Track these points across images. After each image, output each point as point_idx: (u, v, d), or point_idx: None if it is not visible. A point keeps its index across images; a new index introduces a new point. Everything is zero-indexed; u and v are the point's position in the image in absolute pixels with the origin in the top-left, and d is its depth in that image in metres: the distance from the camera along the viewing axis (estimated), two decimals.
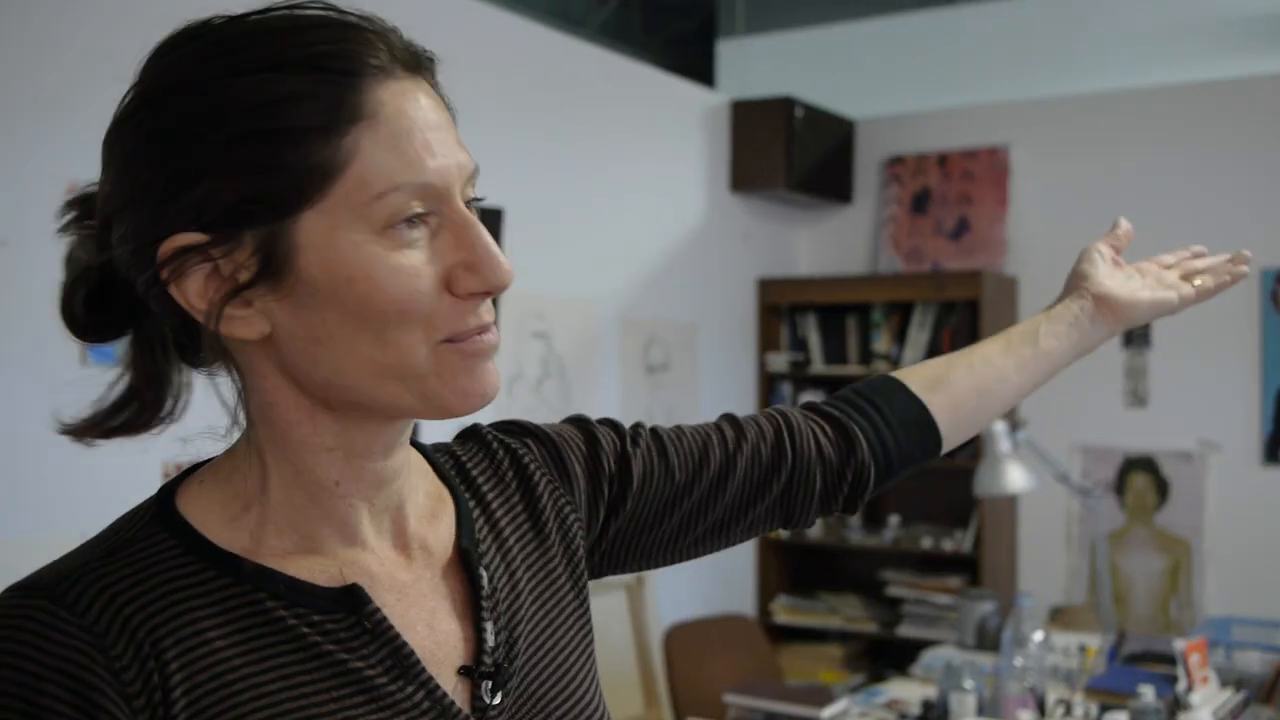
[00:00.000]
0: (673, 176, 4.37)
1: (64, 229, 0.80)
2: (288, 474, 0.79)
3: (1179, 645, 2.73)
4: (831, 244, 4.99)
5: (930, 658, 3.43)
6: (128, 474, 2.62)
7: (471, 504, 0.91)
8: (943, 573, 4.49)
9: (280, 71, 0.73)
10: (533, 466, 0.95)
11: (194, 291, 0.74)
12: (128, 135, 0.75)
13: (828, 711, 2.90)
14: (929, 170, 4.73)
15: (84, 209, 0.80)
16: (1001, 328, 4.47)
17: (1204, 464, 4.22)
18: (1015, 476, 3.29)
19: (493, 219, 3.52)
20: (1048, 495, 4.21)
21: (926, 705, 2.89)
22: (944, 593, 4.39)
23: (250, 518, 0.79)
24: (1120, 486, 4.36)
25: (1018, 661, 2.85)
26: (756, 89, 4.71)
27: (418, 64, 0.79)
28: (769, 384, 4.77)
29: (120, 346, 0.81)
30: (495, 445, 0.95)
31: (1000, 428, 3.33)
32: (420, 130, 0.76)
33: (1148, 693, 2.57)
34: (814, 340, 4.76)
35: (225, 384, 0.81)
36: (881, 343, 4.60)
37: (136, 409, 0.79)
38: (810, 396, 4.83)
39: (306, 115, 0.72)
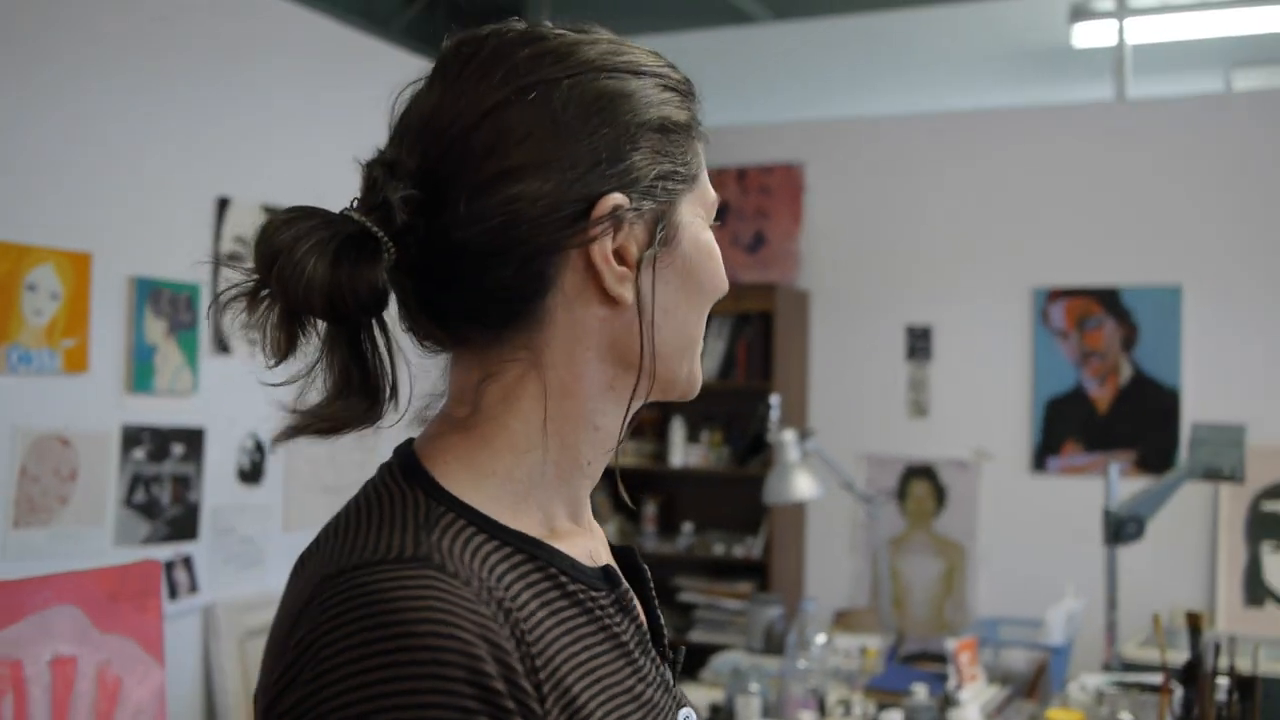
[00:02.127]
0: None
1: (388, 197, 0.78)
2: (555, 450, 0.82)
3: (950, 645, 2.86)
4: None
5: (719, 662, 3.50)
6: None
7: None
8: (734, 578, 4.59)
9: (655, 77, 0.85)
10: None
11: (607, 251, 0.80)
12: (560, 101, 0.80)
13: None
14: (727, 184, 4.85)
15: (401, 176, 0.80)
16: (794, 341, 4.60)
17: (978, 472, 4.45)
18: (802, 484, 3.39)
19: None
20: (834, 502, 4.36)
21: (714, 709, 2.96)
22: (735, 598, 4.49)
23: (507, 495, 0.81)
24: (902, 494, 4.55)
25: (801, 664, 2.94)
26: None
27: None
28: None
29: (328, 341, 0.79)
30: None
31: (790, 437, 3.43)
32: None
33: (920, 691, 2.69)
34: None
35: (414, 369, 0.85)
36: None
37: (355, 400, 0.80)
38: None
39: (684, 116, 0.85)
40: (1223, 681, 2.11)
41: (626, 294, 0.81)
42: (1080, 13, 4.44)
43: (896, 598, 4.50)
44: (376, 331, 0.81)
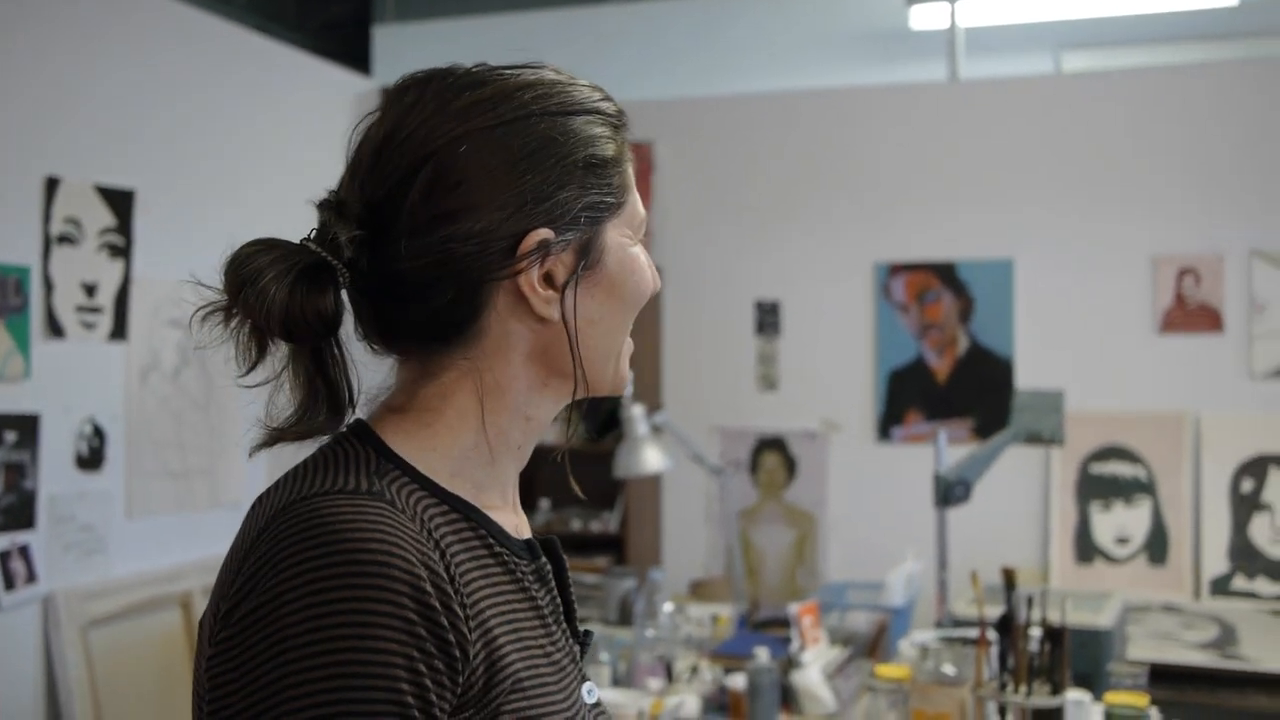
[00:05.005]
0: (321, 162, 4.29)
1: (337, 235, 0.88)
2: (492, 435, 0.93)
3: (793, 609, 2.95)
4: None
5: None
6: None
7: None
8: (592, 553, 4.65)
9: (588, 114, 0.94)
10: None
11: (534, 279, 0.90)
12: (489, 150, 0.89)
13: None
14: None
15: (348, 216, 0.90)
16: (646, 317, 4.64)
17: (827, 442, 4.58)
18: (651, 457, 3.45)
19: (123, 200, 3.36)
20: (689, 475, 4.45)
21: None
22: (593, 572, 4.54)
23: (444, 467, 0.91)
24: (754, 465, 4.65)
25: (649, 633, 3.01)
26: None
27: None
28: None
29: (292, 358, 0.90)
30: None
31: (639, 411, 3.48)
32: None
33: (762, 654, 2.77)
34: None
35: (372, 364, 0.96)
36: None
37: (323, 410, 0.91)
38: None
39: (612, 149, 0.95)
40: (1035, 632, 2.23)
41: (553, 313, 0.92)
42: None
43: (750, 567, 4.61)
44: (336, 348, 0.92)
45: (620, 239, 0.95)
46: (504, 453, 0.95)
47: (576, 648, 0.98)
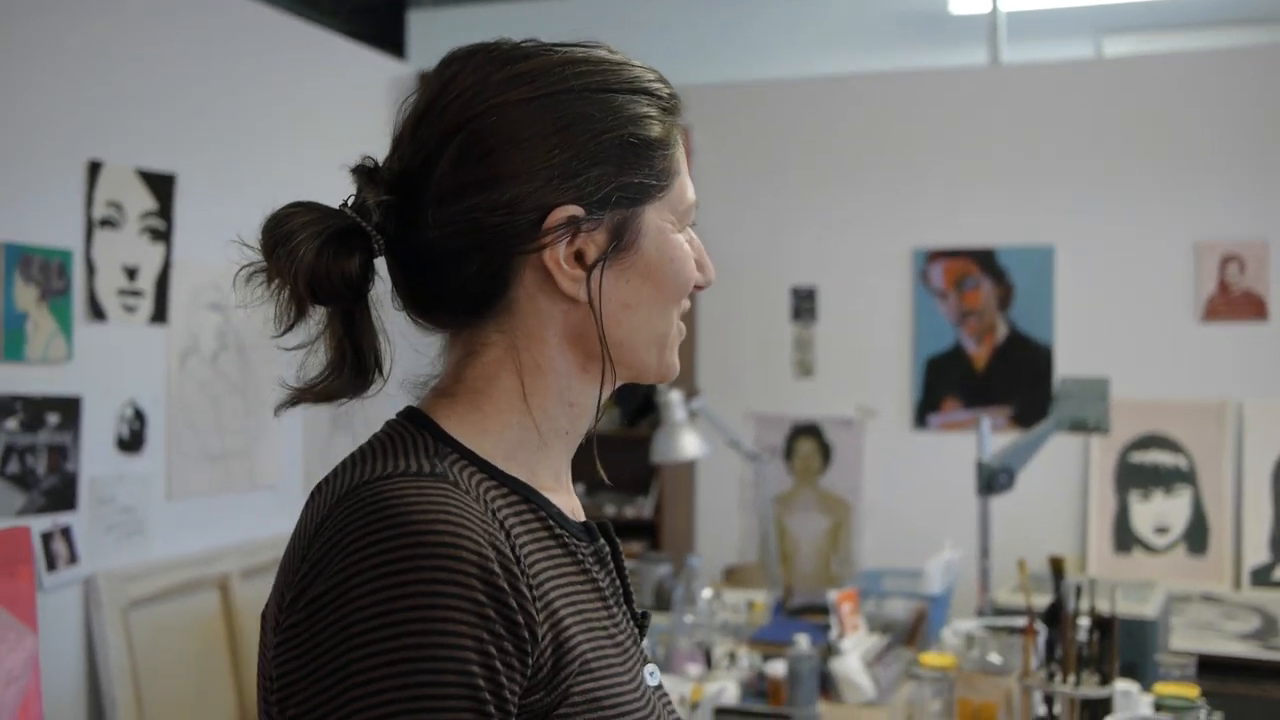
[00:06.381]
0: (357, 146, 4.27)
1: (366, 200, 0.89)
2: (538, 417, 0.92)
3: (832, 596, 2.94)
4: None
5: None
6: None
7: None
8: (626, 538, 4.65)
9: (634, 94, 0.92)
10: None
11: (560, 256, 0.89)
12: (523, 122, 0.88)
13: None
14: None
15: (378, 182, 0.90)
16: None
17: (862, 429, 4.55)
18: (688, 443, 3.44)
19: (164, 184, 3.37)
20: (724, 461, 4.43)
21: None
22: (627, 557, 4.54)
23: (500, 450, 0.90)
24: (789, 452, 4.64)
25: (688, 619, 3.00)
26: None
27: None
28: None
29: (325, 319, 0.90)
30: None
31: (676, 397, 3.47)
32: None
33: (802, 641, 2.76)
34: None
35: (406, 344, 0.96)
36: None
37: (347, 373, 0.90)
38: None
39: (658, 130, 0.92)
40: (1083, 622, 2.21)
41: (580, 293, 0.90)
42: None
43: (785, 553, 4.59)
44: (368, 314, 0.91)
45: (661, 223, 0.93)
46: (552, 437, 0.94)
47: (636, 630, 0.97)
